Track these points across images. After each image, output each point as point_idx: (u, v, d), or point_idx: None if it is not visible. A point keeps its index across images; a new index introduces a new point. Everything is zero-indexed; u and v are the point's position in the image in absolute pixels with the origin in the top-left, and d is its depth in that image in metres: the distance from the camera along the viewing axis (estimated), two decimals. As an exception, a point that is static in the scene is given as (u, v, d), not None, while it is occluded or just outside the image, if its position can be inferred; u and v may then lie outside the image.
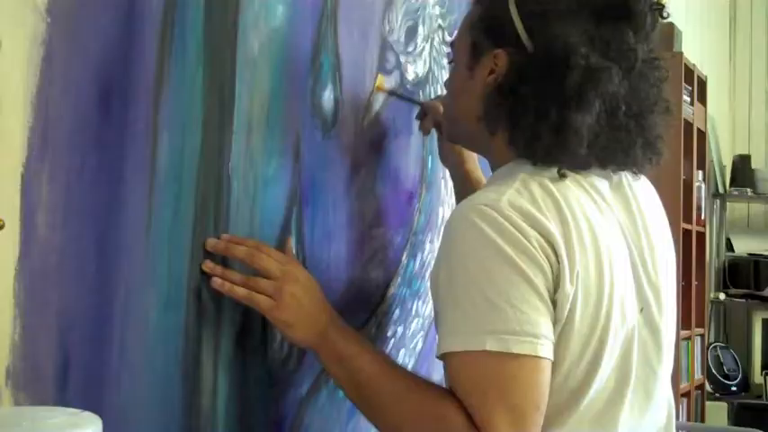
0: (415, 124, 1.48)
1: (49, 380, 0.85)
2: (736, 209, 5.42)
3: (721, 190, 5.06)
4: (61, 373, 0.86)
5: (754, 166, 5.19)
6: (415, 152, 1.51)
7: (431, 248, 1.57)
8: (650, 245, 1.10)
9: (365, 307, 1.38)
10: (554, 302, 0.97)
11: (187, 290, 1.02)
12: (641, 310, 1.07)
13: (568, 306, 0.97)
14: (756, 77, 5.59)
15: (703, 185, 4.21)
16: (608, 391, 1.04)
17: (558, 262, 0.97)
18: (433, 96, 1.53)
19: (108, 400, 0.91)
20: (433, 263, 1.55)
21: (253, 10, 1.11)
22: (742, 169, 5.15)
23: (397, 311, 1.46)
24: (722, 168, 5.14)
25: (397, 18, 1.45)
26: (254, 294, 1.05)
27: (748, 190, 5.06)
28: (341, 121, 1.31)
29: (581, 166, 1.06)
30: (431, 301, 1.61)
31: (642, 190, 1.15)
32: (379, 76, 1.39)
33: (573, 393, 1.01)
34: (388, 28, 1.42)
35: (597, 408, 1.03)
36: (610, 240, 1.04)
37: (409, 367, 1.50)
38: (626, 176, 1.12)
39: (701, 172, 4.17)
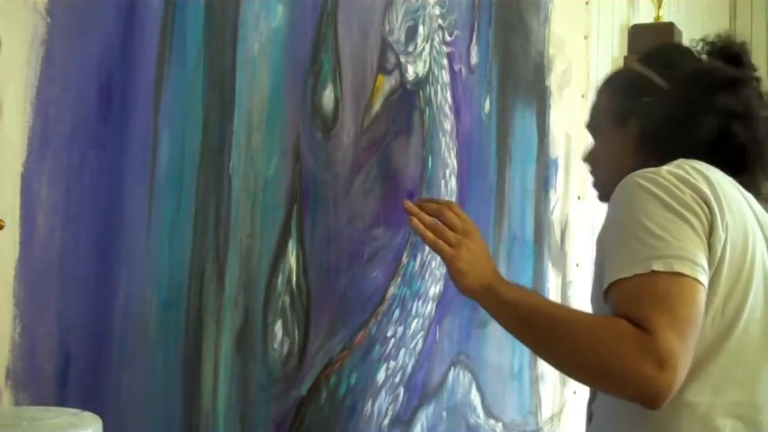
0: (416, 124, 1.48)
1: (49, 380, 0.85)
2: (737, 209, 5.42)
3: (721, 190, 5.05)
4: (61, 373, 0.86)
5: (754, 165, 5.18)
6: (415, 152, 1.51)
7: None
8: None
9: (365, 307, 1.38)
10: (709, 246, 1.11)
11: (187, 290, 1.02)
12: None
13: (720, 250, 1.12)
14: (756, 77, 5.59)
15: (703, 185, 4.20)
16: (754, 350, 1.16)
17: (711, 212, 1.12)
18: (433, 96, 1.53)
19: (108, 400, 0.91)
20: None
21: (253, 10, 1.11)
22: (742, 169, 5.14)
23: (397, 311, 1.46)
24: (722, 168, 5.12)
25: (397, 18, 1.45)
26: (440, 242, 1.23)
27: (748, 190, 5.05)
28: (341, 121, 1.30)
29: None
30: (431, 302, 1.62)
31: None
32: (379, 76, 1.39)
33: (721, 333, 1.14)
34: (388, 28, 1.42)
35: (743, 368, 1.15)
36: (749, 218, 1.19)
37: (409, 367, 1.50)
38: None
39: (701, 172, 4.16)
